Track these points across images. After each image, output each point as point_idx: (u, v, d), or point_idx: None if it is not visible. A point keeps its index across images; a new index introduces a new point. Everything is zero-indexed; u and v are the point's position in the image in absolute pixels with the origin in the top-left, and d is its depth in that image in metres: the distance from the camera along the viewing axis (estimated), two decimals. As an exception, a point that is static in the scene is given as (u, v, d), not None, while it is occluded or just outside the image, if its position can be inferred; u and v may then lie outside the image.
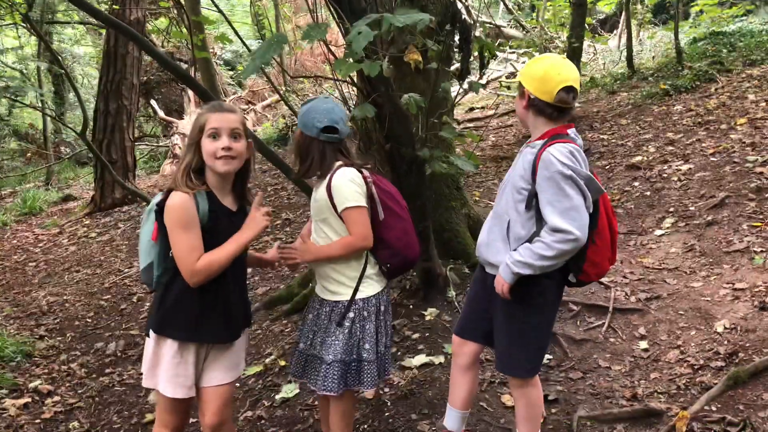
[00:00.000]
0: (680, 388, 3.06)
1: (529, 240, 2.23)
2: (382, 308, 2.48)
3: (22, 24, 9.83)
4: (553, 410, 3.00)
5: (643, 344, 3.49)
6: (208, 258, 2.12)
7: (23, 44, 14.05)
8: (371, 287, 2.45)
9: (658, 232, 4.82)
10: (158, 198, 2.19)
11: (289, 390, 3.43)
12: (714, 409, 2.84)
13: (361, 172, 2.41)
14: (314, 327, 2.50)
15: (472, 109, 10.95)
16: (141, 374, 2.32)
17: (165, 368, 2.18)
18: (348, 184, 2.35)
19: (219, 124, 2.13)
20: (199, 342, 2.21)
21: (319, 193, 2.41)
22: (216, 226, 2.16)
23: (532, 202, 2.21)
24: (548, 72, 2.21)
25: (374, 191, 2.40)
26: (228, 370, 2.29)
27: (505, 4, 13.68)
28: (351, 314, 2.41)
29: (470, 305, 2.59)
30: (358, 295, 2.42)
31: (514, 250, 2.25)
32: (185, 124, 11.84)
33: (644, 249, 4.63)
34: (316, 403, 3.28)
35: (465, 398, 2.59)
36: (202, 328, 2.19)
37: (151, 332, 2.22)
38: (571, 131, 2.28)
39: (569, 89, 2.19)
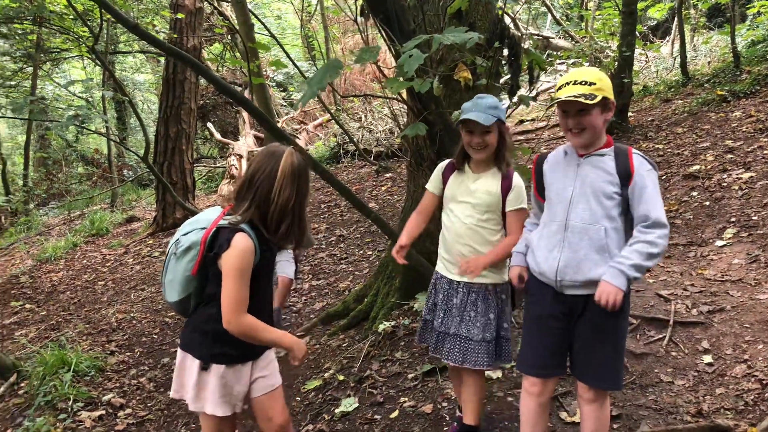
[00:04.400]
0: (748, 404, 2.97)
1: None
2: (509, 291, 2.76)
3: (88, 55, 10.41)
4: (615, 426, 2.96)
5: (707, 358, 3.41)
6: (254, 325, 2.18)
7: (89, 74, 14.82)
8: (505, 273, 2.70)
9: (719, 242, 4.69)
10: (200, 234, 2.20)
11: (348, 404, 3.50)
12: (784, 425, 2.75)
13: None
14: (444, 307, 2.75)
15: (521, 122, 10.90)
16: None
17: (212, 391, 2.27)
18: (524, 187, 2.63)
19: None
20: (256, 358, 2.34)
21: (491, 186, 2.63)
22: (262, 263, 2.23)
23: (623, 206, 2.25)
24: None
25: None
26: (275, 373, 2.43)
27: (552, 15, 13.59)
28: (495, 296, 2.69)
29: (543, 340, 2.42)
30: (499, 280, 2.70)
31: (623, 250, 2.23)
32: (240, 145, 12.21)
33: (705, 260, 4.51)
34: (376, 417, 3.34)
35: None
36: (246, 350, 2.30)
37: (195, 360, 2.28)
38: None
39: None
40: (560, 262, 2.29)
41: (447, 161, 2.82)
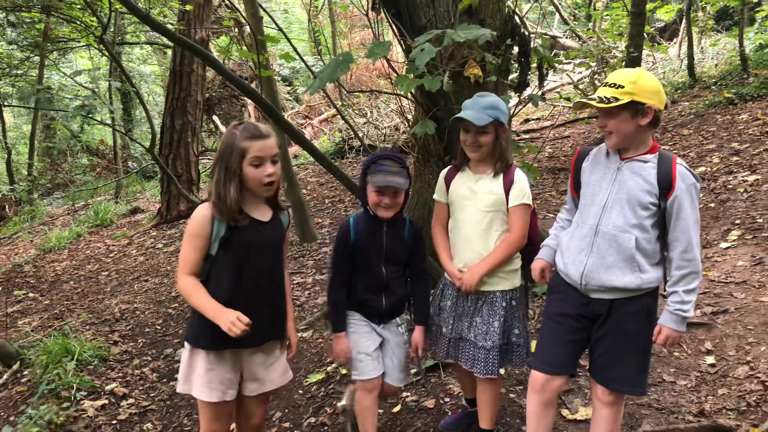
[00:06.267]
0: (750, 405, 2.98)
1: (660, 257, 2.25)
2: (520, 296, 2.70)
3: (95, 45, 10.42)
4: (617, 424, 2.97)
5: (710, 359, 3.42)
6: (189, 287, 2.21)
7: (96, 65, 14.83)
8: (516, 278, 2.66)
9: (724, 244, 4.69)
10: None
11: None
12: (787, 426, 2.75)
13: None
14: (454, 313, 2.69)
15: (527, 121, 10.90)
16: None
17: (198, 374, 2.31)
18: (527, 183, 2.58)
19: (262, 153, 2.20)
20: (243, 347, 2.31)
21: (493, 186, 2.57)
22: (233, 238, 2.24)
23: (658, 217, 2.20)
24: (658, 83, 2.21)
25: None
26: (273, 377, 2.43)
27: (560, 14, 13.56)
28: (504, 303, 2.61)
29: (559, 338, 2.39)
30: (508, 286, 2.62)
31: (671, 292, 2.21)
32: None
33: (709, 262, 4.51)
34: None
35: None
36: (223, 336, 2.18)
37: (186, 343, 2.35)
38: None
39: None
40: (587, 266, 2.27)
41: (448, 167, 2.77)
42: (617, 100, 2.12)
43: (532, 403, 2.46)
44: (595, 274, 2.26)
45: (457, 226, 2.65)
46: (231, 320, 2.10)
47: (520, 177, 2.57)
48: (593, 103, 2.15)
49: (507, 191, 2.54)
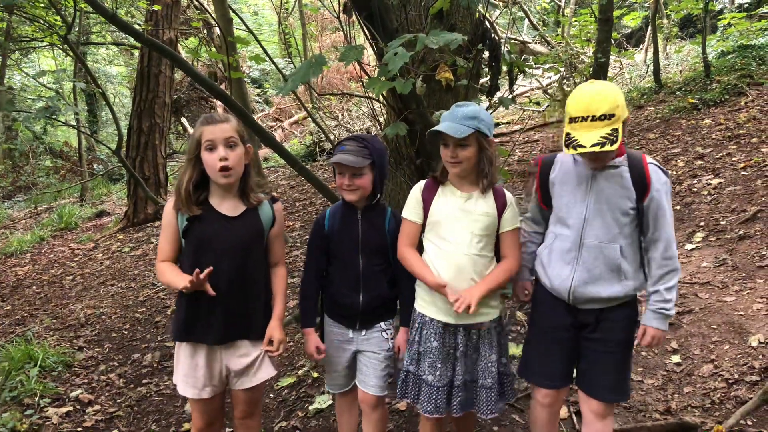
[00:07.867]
0: (714, 403, 3.05)
1: (640, 260, 2.23)
2: None
3: (59, 45, 10.18)
4: (586, 423, 3.01)
5: (676, 358, 3.49)
6: (161, 269, 2.31)
7: (60, 65, 14.50)
8: (500, 304, 2.44)
9: (689, 246, 4.80)
10: None
11: (322, 401, 3.49)
12: (749, 423, 2.83)
13: None
14: (443, 355, 2.35)
15: (497, 125, 10.99)
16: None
17: (180, 367, 2.35)
18: (515, 202, 2.40)
19: (213, 136, 2.18)
20: (186, 341, 2.33)
21: (487, 207, 2.33)
22: (190, 231, 2.26)
23: (638, 219, 2.17)
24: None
25: None
26: (249, 375, 2.38)
27: (530, 20, 13.74)
28: (495, 333, 2.40)
29: (557, 352, 2.34)
30: (497, 314, 2.40)
31: (653, 291, 2.20)
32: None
33: (675, 263, 4.61)
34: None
35: None
36: (190, 329, 2.31)
37: None
38: None
39: None
40: (574, 280, 2.22)
41: (422, 183, 2.45)
42: (616, 132, 1.99)
43: (542, 415, 2.42)
44: (583, 288, 2.21)
45: (442, 250, 2.33)
46: (184, 280, 2.15)
47: (511, 198, 2.38)
48: (608, 149, 1.97)
49: (500, 213, 2.34)
